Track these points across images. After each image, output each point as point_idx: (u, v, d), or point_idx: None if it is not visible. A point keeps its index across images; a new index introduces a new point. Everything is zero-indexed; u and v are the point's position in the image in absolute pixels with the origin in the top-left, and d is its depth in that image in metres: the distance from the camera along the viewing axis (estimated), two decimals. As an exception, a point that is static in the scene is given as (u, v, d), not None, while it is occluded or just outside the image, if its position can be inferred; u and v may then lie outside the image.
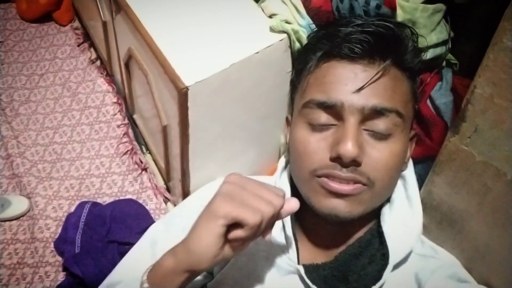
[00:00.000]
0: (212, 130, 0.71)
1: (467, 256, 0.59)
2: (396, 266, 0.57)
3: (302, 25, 0.69)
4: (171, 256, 0.48)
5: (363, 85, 0.53)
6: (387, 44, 0.55)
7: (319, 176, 0.55)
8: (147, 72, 0.76)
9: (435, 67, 0.69)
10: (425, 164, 0.68)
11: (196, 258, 0.45)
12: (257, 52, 0.66)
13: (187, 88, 0.63)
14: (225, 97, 0.68)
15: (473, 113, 0.47)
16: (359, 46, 0.54)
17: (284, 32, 0.69)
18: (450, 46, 0.69)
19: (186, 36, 0.70)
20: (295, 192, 0.63)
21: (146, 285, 0.48)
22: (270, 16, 0.72)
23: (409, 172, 0.63)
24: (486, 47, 0.46)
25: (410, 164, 0.64)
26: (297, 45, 0.69)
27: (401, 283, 0.57)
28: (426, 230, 0.63)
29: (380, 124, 0.54)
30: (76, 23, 1.35)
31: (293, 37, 0.68)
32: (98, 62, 1.22)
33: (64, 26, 1.36)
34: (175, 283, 0.47)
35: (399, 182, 0.62)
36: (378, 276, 0.56)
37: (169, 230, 0.65)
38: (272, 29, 0.70)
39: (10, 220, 0.95)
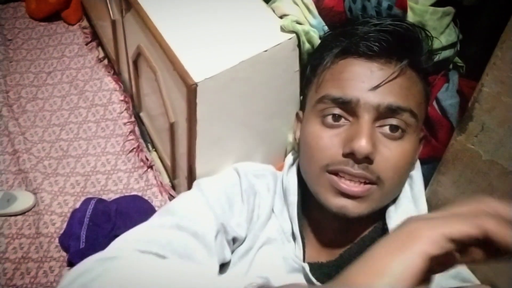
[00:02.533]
0: (220, 127, 0.72)
1: (471, 256, 0.59)
2: (400, 266, 0.57)
3: (313, 25, 0.70)
4: None
5: (380, 83, 0.53)
6: (405, 44, 0.56)
7: (330, 172, 0.55)
8: (156, 69, 0.77)
9: (442, 69, 0.70)
10: (430, 165, 0.68)
11: None
12: (266, 50, 0.67)
13: (196, 84, 0.63)
14: (233, 94, 0.69)
15: (480, 111, 0.48)
16: (377, 44, 0.54)
17: (294, 32, 0.70)
18: (458, 49, 0.69)
19: (196, 33, 0.71)
20: (302, 189, 0.63)
21: None
22: (281, 17, 0.73)
23: (416, 172, 0.63)
24: (493, 49, 0.46)
25: (418, 164, 0.64)
26: (307, 46, 0.70)
27: (404, 283, 0.57)
28: (431, 230, 0.63)
29: (393, 123, 0.54)
30: (85, 22, 1.36)
31: (303, 38, 0.69)
32: (105, 61, 1.23)
33: (73, 25, 1.38)
34: None
35: (406, 182, 0.63)
36: (382, 273, 0.56)
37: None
38: (282, 29, 0.70)
39: (16, 215, 0.96)
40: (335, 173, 0.55)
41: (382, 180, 0.54)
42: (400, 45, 0.55)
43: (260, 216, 0.62)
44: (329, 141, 0.55)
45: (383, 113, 0.53)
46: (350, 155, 0.53)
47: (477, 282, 0.58)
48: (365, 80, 0.54)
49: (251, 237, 0.61)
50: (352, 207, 0.54)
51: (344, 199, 0.55)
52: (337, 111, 0.55)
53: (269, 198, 0.64)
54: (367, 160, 0.53)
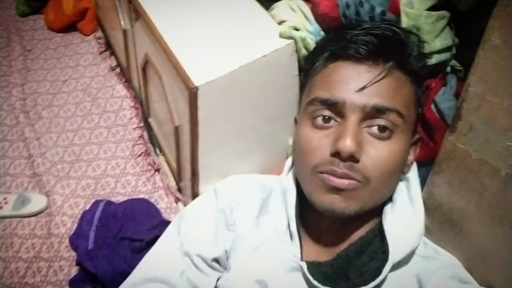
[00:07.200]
0: (221, 130, 0.74)
1: (468, 257, 0.59)
2: (397, 267, 0.58)
3: (311, 31, 0.72)
4: None
5: (366, 85, 0.55)
6: (391, 47, 0.57)
7: (321, 173, 0.57)
8: (161, 75, 0.80)
9: (439, 72, 0.70)
10: (429, 167, 0.69)
11: None
12: (265, 55, 0.69)
13: (197, 88, 0.66)
14: (233, 98, 0.71)
15: (468, 111, 0.49)
16: (364, 47, 0.56)
17: (291, 38, 0.72)
18: (454, 52, 0.70)
19: (198, 40, 0.74)
20: (299, 191, 0.65)
21: None
22: (280, 23, 0.75)
23: (413, 175, 0.64)
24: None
25: (414, 167, 0.65)
26: (304, 51, 0.72)
27: (402, 284, 0.58)
28: (428, 231, 0.64)
29: (381, 123, 0.56)
30: (99, 33, 1.42)
31: (300, 44, 0.71)
32: (118, 69, 1.28)
33: (88, 35, 1.43)
34: None
35: (403, 184, 0.63)
36: (378, 273, 0.56)
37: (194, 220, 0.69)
38: (281, 35, 0.73)
39: (29, 216, 0.99)
40: (325, 173, 0.56)
41: (368, 178, 0.55)
42: (386, 47, 0.57)
43: (245, 223, 0.66)
44: (318, 142, 0.57)
45: (370, 113, 0.55)
46: (336, 154, 0.54)
47: (475, 283, 0.58)
48: (352, 82, 0.56)
49: (240, 245, 0.64)
50: (339, 203, 0.55)
51: (332, 195, 0.56)
52: (326, 112, 0.57)
53: (253, 207, 0.68)
54: (353, 159, 0.54)
